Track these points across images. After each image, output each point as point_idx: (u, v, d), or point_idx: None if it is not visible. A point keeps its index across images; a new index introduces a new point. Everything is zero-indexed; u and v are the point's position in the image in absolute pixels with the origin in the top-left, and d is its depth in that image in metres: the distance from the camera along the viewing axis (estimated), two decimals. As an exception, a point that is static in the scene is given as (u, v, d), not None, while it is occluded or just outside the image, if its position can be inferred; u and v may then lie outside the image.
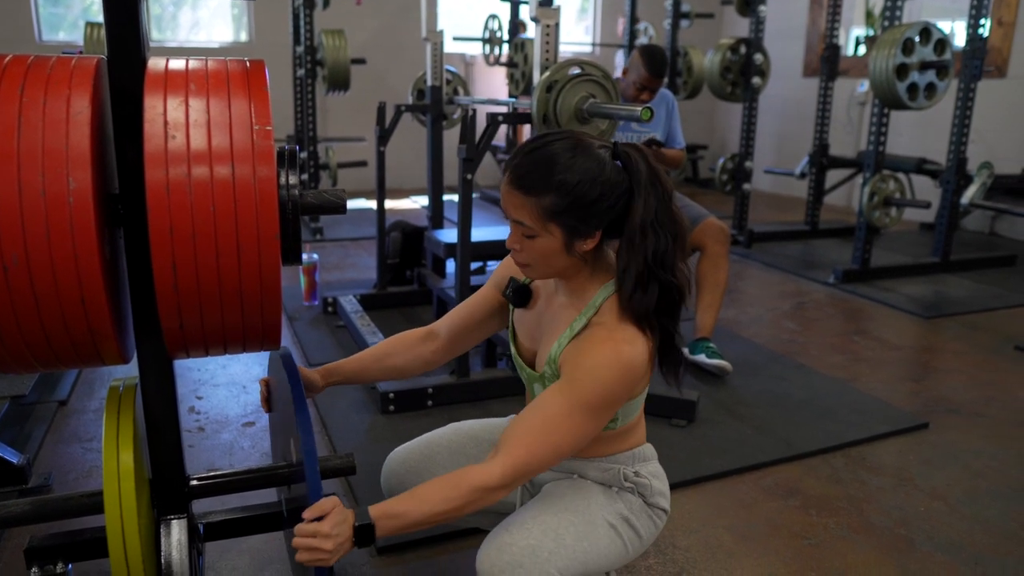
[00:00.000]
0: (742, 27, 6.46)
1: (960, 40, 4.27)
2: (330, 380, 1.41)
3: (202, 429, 2.34)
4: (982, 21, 4.16)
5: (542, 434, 1.13)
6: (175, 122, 0.97)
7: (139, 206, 1.05)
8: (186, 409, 2.45)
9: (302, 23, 4.85)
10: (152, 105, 0.97)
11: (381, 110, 3.24)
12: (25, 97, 0.95)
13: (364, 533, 1.06)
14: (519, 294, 1.34)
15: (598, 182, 1.14)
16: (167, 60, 1.05)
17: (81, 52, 4.61)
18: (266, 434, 2.30)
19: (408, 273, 3.57)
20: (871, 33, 7.40)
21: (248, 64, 1.07)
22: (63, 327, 0.96)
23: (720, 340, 2.98)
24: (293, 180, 1.09)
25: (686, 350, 2.84)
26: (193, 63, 1.05)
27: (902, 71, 3.79)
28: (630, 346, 1.14)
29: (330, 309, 3.34)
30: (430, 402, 2.45)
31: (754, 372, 2.85)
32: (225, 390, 2.62)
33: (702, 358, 2.74)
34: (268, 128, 0.99)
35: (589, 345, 1.16)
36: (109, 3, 1.00)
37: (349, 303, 3.24)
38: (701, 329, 2.79)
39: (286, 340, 3.10)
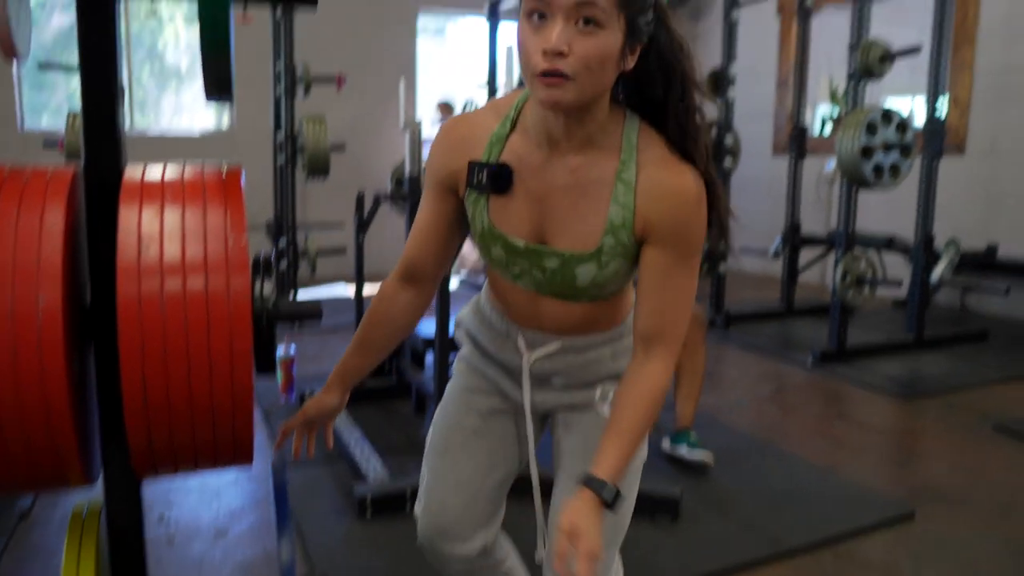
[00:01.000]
0: (711, 109, 6.66)
1: (921, 117, 4.43)
2: (347, 389, 1.30)
3: (171, 541, 2.23)
4: (938, 103, 4.32)
5: (684, 312, 1.12)
6: (149, 235, 0.96)
7: (110, 320, 1.03)
8: (155, 517, 2.35)
9: (283, 110, 4.93)
10: (127, 217, 0.97)
11: (360, 199, 3.26)
12: (-3, 212, 0.94)
13: (614, 500, 1.05)
14: (499, 177, 1.10)
15: None
16: (144, 169, 1.05)
17: (63, 140, 4.64)
18: (240, 543, 2.21)
19: (386, 366, 3.53)
20: (836, 112, 7.67)
21: (224, 172, 1.07)
22: (25, 450, 0.93)
23: (701, 428, 2.96)
24: (268, 289, 1.08)
25: (666, 441, 2.80)
26: (170, 172, 1.06)
27: (867, 152, 3.91)
28: (698, 181, 1.06)
29: (306, 400, 3.28)
30: (410, 505, 2.38)
31: (737, 462, 2.81)
32: (197, 496, 2.52)
33: (683, 450, 2.70)
34: (243, 241, 0.98)
35: (668, 195, 1.05)
36: (88, 117, 1.00)
37: (326, 393, 3.18)
38: (681, 419, 2.77)
39: (261, 438, 3.03)
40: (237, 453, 1.05)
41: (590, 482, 1.05)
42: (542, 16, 0.97)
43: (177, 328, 0.95)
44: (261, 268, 1.08)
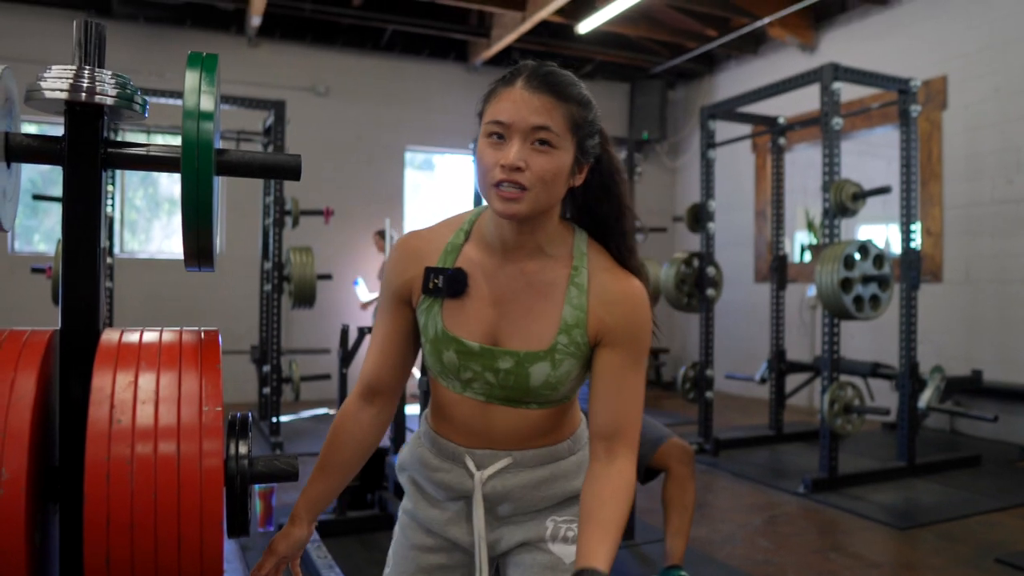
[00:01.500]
0: (693, 239, 6.82)
1: (897, 245, 4.55)
2: (314, 519, 1.28)
3: None
4: (912, 235, 4.44)
5: (639, 410, 1.16)
6: (122, 403, 0.95)
7: (77, 484, 1.00)
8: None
9: (271, 240, 5.01)
10: (100, 386, 0.95)
11: (344, 332, 3.27)
12: (-32, 380, 0.93)
13: None
14: (455, 280, 1.14)
15: (596, 111, 1.14)
16: (121, 334, 1.05)
17: (50, 268, 4.68)
18: None
19: (368, 497, 3.44)
20: (814, 240, 7.86)
21: (203, 337, 1.07)
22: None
23: (692, 565, 2.86)
24: (244, 450, 1.06)
25: (658, 579, 2.71)
26: (147, 336, 1.05)
27: (846, 285, 3.98)
28: (642, 288, 1.16)
29: (285, 537, 3.17)
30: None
31: (731, 601, 2.71)
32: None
33: (675, 588, 2.61)
34: (218, 407, 0.97)
35: (621, 300, 1.13)
36: (67, 285, 1.01)
37: (305, 531, 3.08)
38: (671, 556, 2.69)
39: (237, 574, 2.91)
40: (203, 628, 1.00)
41: (587, 573, 1.05)
42: (501, 136, 1.07)
43: (146, 495, 0.92)
44: (238, 429, 1.06)
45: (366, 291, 6.68)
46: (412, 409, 4.64)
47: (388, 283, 1.23)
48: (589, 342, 1.14)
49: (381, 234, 6.15)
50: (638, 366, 1.16)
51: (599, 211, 1.18)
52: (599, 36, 7.23)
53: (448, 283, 1.15)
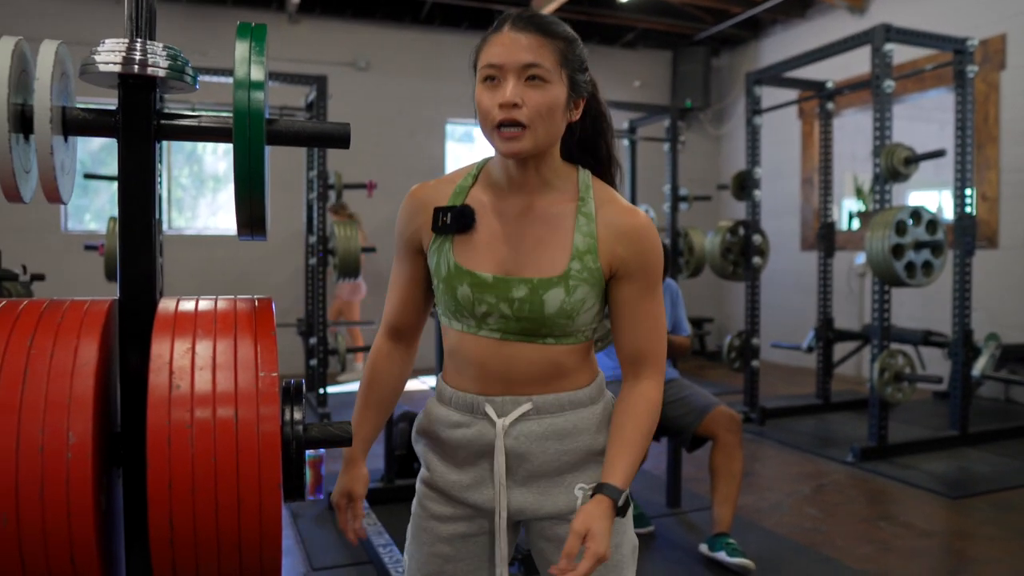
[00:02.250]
0: (739, 207, 6.71)
1: (949, 212, 4.43)
2: (366, 455, 1.35)
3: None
4: (967, 200, 4.31)
5: (661, 334, 1.23)
6: (180, 370, 0.97)
7: (140, 449, 1.04)
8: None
9: (315, 214, 5.06)
10: (159, 354, 0.98)
11: (389, 303, 3.29)
12: (34, 348, 0.96)
13: (626, 504, 1.17)
14: (462, 215, 1.18)
15: (582, 48, 1.19)
16: (177, 302, 1.07)
17: (103, 245, 4.79)
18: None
19: (416, 464, 3.49)
20: (863, 208, 7.68)
21: (256, 304, 1.08)
22: (49, 590, 0.92)
23: (739, 533, 2.86)
24: (298, 416, 1.08)
25: (704, 546, 2.72)
26: (203, 304, 1.07)
27: (898, 251, 3.89)
28: (648, 218, 1.22)
29: (335, 505, 3.24)
30: None
31: (778, 569, 2.70)
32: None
33: (723, 556, 2.61)
34: (273, 373, 0.99)
35: (630, 231, 1.18)
36: (124, 257, 1.03)
37: (354, 499, 3.14)
38: (719, 524, 2.68)
39: (289, 541, 2.99)
40: (263, 587, 1.03)
41: (605, 488, 1.15)
42: (495, 79, 1.12)
43: (206, 468, 0.94)
44: (291, 395, 1.08)
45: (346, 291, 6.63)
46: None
47: (400, 233, 1.28)
48: (601, 268, 1.17)
49: (336, 209, 5.94)
50: (654, 293, 1.21)
51: (595, 153, 1.26)
52: (640, 3, 7.10)
53: (456, 218, 1.19)
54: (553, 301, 1.15)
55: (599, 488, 1.15)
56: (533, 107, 1.11)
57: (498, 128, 1.12)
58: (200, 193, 7.39)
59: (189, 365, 0.97)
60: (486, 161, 1.26)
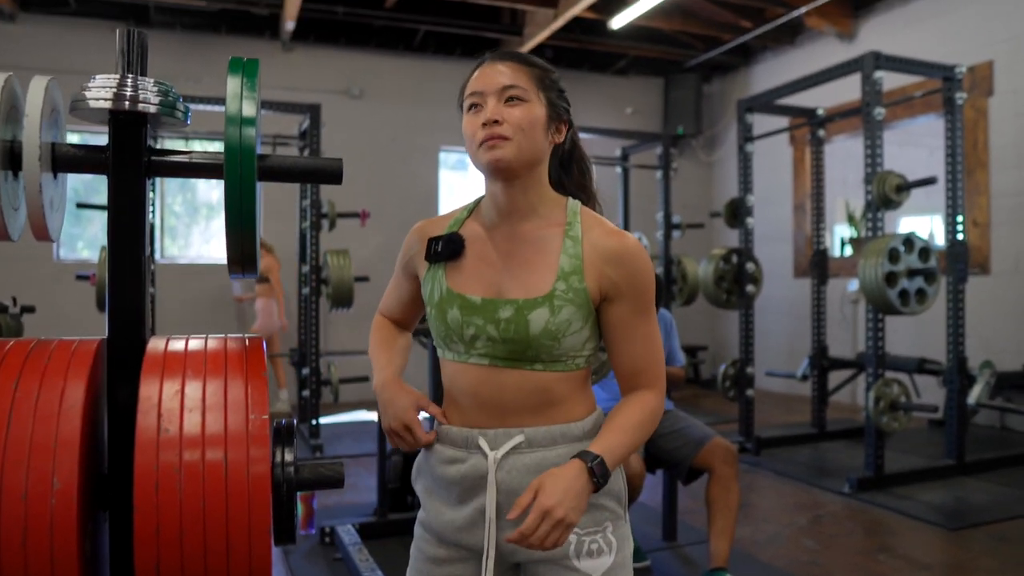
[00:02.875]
0: (731, 234, 6.73)
1: (941, 237, 4.44)
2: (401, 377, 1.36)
3: None
4: (958, 227, 4.33)
5: (658, 354, 1.23)
6: (169, 412, 0.94)
7: (127, 493, 1.01)
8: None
9: (308, 243, 5.05)
10: (148, 395, 0.95)
11: (382, 333, 3.27)
12: (19, 390, 0.94)
13: (602, 472, 1.13)
14: (452, 243, 1.24)
15: (558, 77, 1.26)
16: (167, 342, 1.05)
17: (94, 275, 4.76)
18: None
19: (409, 499, 3.44)
20: (855, 234, 7.71)
21: (247, 344, 1.06)
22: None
23: (737, 566, 2.82)
24: (289, 458, 1.06)
25: (703, 581, 2.68)
26: (193, 344, 1.05)
27: (891, 279, 3.89)
28: (636, 241, 1.23)
29: (327, 539, 3.19)
30: None
31: (778, 603, 2.66)
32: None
33: (721, 590, 2.57)
34: (264, 416, 0.96)
35: (619, 253, 1.19)
36: (114, 294, 1.02)
37: (347, 534, 3.09)
38: (716, 558, 2.65)
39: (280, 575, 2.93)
40: (252, 636, 1.00)
41: (580, 454, 1.15)
42: (478, 106, 1.19)
43: (194, 503, 0.92)
44: (283, 436, 1.06)
45: (239, 287, 6.66)
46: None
47: (400, 259, 1.36)
48: (588, 289, 1.18)
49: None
50: (648, 314, 1.22)
51: (582, 185, 1.31)
52: (632, 31, 7.17)
53: (445, 244, 1.24)
54: (538, 321, 1.17)
55: (582, 455, 1.15)
56: (514, 122, 1.17)
57: (481, 144, 1.17)
58: (193, 221, 7.38)
59: (178, 407, 0.95)
60: (481, 198, 1.31)
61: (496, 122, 1.16)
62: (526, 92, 1.19)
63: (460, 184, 7.98)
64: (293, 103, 5.09)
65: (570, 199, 1.27)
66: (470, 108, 1.20)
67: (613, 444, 1.16)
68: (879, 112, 4.09)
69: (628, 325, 1.21)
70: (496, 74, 1.19)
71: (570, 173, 1.32)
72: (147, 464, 0.92)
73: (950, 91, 4.32)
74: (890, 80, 4.38)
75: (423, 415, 1.32)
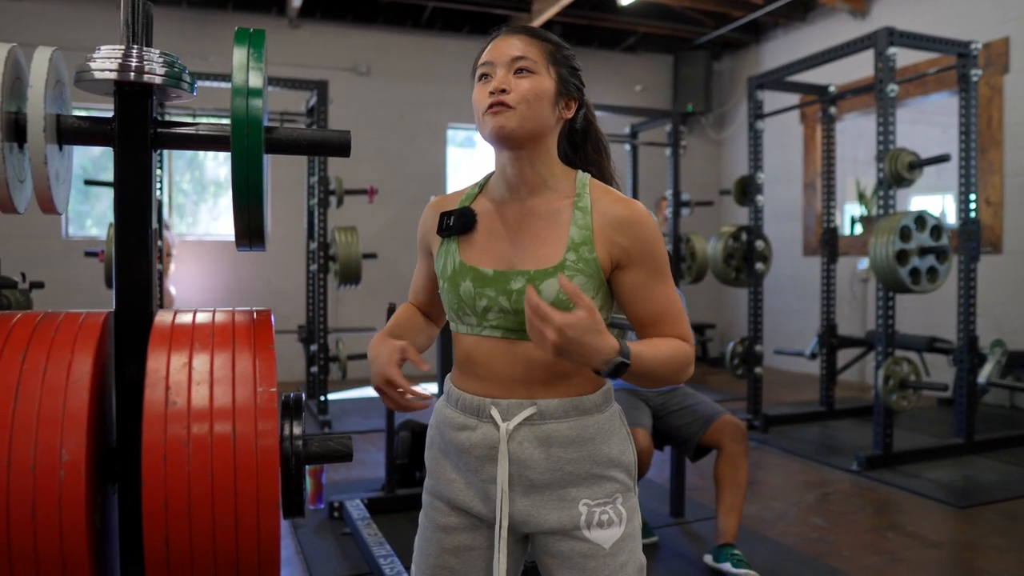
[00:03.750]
0: (741, 212, 6.69)
1: (952, 216, 4.40)
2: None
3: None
4: (971, 205, 4.28)
5: (679, 310, 1.23)
6: (177, 385, 0.94)
7: (135, 466, 1.01)
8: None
9: (316, 221, 5.04)
10: (155, 368, 0.95)
11: (391, 310, 3.26)
12: (27, 363, 0.94)
13: (623, 352, 1.09)
14: (463, 217, 1.25)
15: (571, 53, 1.27)
16: (174, 315, 1.05)
17: (103, 251, 4.77)
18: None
19: (417, 474, 3.46)
20: (866, 212, 7.65)
21: (255, 317, 1.06)
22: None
23: (744, 543, 2.82)
24: (297, 431, 1.05)
25: (709, 557, 2.69)
26: (200, 317, 1.05)
27: (902, 257, 3.86)
28: (644, 208, 1.23)
29: (336, 514, 3.21)
30: None
31: (785, 580, 2.67)
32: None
33: (728, 567, 2.58)
34: (272, 387, 0.96)
35: (628, 220, 1.19)
36: (121, 266, 1.01)
37: (356, 509, 3.11)
38: (724, 534, 2.65)
39: (289, 551, 2.96)
40: (261, 607, 1.00)
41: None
42: (488, 76, 1.21)
43: (202, 476, 0.92)
44: (291, 409, 1.05)
45: None
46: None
47: (418, 237, 1.37)
48: (599, 259, 1.18)
49: None
50: (663, 276, 1.21)
51: (594, 158, 1.32)
52: (641, 7, 7.08)
53: (457, 219, 1.25)
54: (549, 291, 1.17)
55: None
56: (520, 92, 1.18)
57: (486, 110, 1.19)
58: (201, 198, 7.37)
59: (186, 380, 0.95)
60: (491, 174, 1.32)
61: (503, 91, 1.18)
62: (536, 64, 1.20)
63: (468, 161, 7.94)
64: (300, 79, 5.06)
65: (579, 171, 1.28)
66: (480, 78, 1.22)
67: (641, 348, 1.14)
68: (892, 89, 4.04)
69: (644, 287, 1.20)
70: (507, 46, 1.21)
71: (582, 152, 1.32)
72: (155, 437, 0.92)
73: (965, 68, 4.26)
74: (903, 57, 4.32)
75: (433, 388, 1.31)
